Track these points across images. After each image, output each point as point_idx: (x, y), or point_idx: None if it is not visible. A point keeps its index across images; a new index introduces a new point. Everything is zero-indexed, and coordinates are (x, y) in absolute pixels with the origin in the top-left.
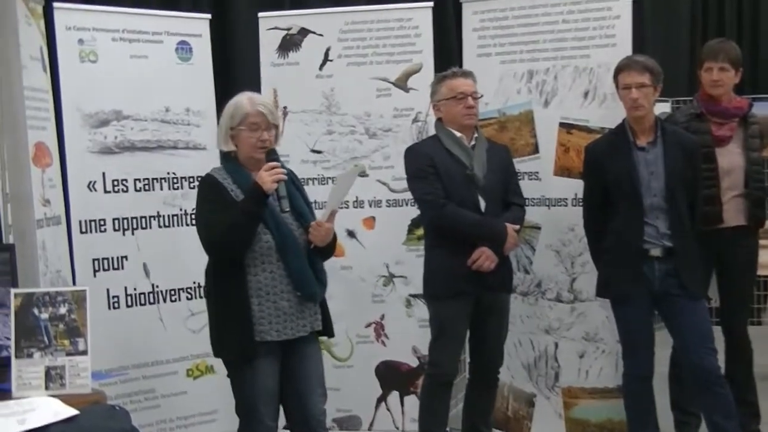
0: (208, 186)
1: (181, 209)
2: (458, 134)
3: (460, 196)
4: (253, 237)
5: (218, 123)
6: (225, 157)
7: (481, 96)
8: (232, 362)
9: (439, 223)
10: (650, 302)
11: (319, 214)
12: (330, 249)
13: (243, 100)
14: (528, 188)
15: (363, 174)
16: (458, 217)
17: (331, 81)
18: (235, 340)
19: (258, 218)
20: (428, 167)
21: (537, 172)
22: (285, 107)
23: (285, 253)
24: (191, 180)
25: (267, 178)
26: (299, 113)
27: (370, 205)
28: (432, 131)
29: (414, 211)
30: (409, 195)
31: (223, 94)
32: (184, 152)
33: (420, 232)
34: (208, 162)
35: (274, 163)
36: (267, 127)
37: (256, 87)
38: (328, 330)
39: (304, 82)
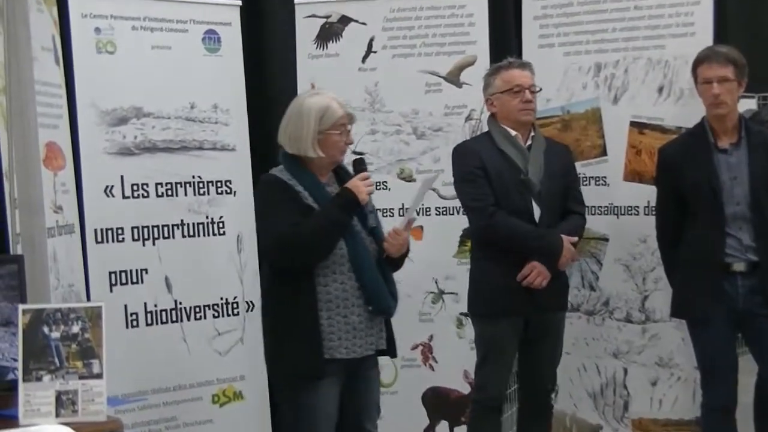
0: (276, 186)
1: (207, 217)
2: (513, 132)
3: (512, 203)
4: (335, 247)
5: (248, 121)
6: (288, 158)
7: (540, 90)
8: (292, 382)
9: (487, 233)
10: (732, 323)
11: (397, 222)
12: (402, 260)
13: (330, 102)
14: (594, 195)
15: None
16: (508, 227)
17: (374, 75)
18: (301, 355)
19: (346, 228)
20: (477, 169)
21: (605, 177)
22: None
23: (358, 264)
24: (218, 185)
25: (363, 188)
26: None
27: (418, 214)
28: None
29: (466, 221)
30: (458, 203)
31: (255, 89)
32: (211, 153)
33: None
34: (237, 165)
35: (366, 174)
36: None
37: (291, 81)
38: (391, 349)
39: (345, 76)
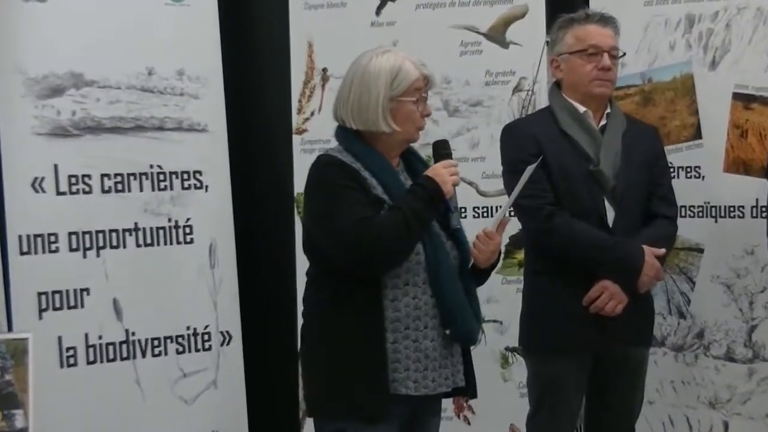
0: (340, 169)
1: (170, 220)
2: (582, 108)
3: (578, 203)
4: (413, 250)
5: (222, 92)
6: (349, 136)
7: (623, 54)
8: (339, 425)
9: (544, 241)
10: None
11: (488, 223)
12: (490, 272)
13: (402, 61)
14: (685, 191)
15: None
16: (572, 234)
17: (393, 31)
18: (359, 390)
19: (428, 226)
20: (532, 157)
21: (698, 168)
22: (325, 69)
23: (437, 275)
24: (185, 177)
25: (448, 176)
26: None
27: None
28: (543, 104)
29: (514, 224)
30: (505, 200)
31: (234, 50)
32: (175, 135)
33: (522, 255)
34: (210, 150)
35: (452, 161)
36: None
37: (281, 40)
38: (471, 388)
39: (354, 33)
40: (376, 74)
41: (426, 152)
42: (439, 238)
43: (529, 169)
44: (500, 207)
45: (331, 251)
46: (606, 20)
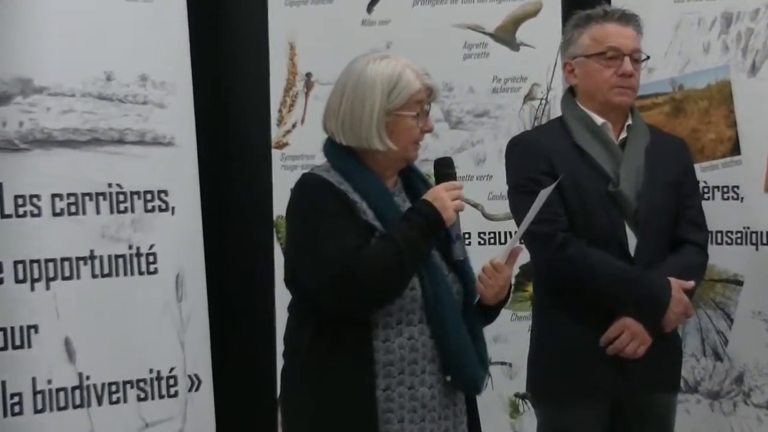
0: (325, 192)
1: (130, 247)
2: (600, 120)
3: (595, 229)
4: (407, 286)
5: (185, 103)
6: (339, 152)
7: (647, 58)
8: None
9: (556, 271)
10: None
11: (497, 253)
12: (499, 309)
13: (403, 69)
14: (721, 215)
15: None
16: (589, 265)
17: (386, 31)
18: None
19: (425, 258)
20: (543, 175)
21: (736, 187)
22: (309, 74)
23: (436, 312)
24: (148, 197)
25: (450, 201)
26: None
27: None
28: (557, 114)
29: (525, 253)
30: (514, 227)
31: (205, 52)
32: (137, 150)
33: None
34: (177, 167)
35: (457, 183)
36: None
37: (259, 40)
38: None
39: (342, 33)
40: (371, 83)
41: (426, 168)
42: (439, 271)
43: (546, 191)
44: (511, 233)
45: (314, 286)
46: (627, 18)
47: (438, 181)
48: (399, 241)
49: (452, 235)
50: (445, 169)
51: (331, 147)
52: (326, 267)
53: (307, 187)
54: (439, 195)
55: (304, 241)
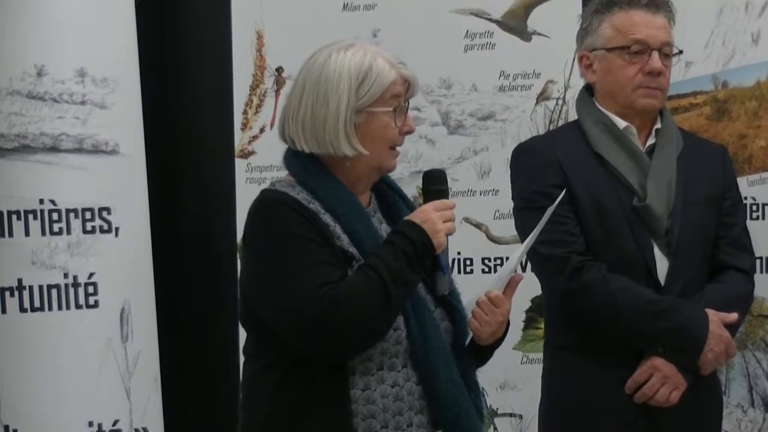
0: (292, 212)
1: (66, 275)
2: (622, 123)
3: (619, 251)
4: (391, 326)
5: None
6: (300, 161)
7: (680, 52)
8: None
9: (573, 302)
10: None
11: (491, 282)
12: (494, 349)
13: (373, 58)
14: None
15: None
16: (610, 295)
17: (372, 17)
18: None
19: (412, 291)
20: (555, 188)
21: None
22: (279, 69)
23: (425, 357)
24: (87, 216)
25: (441, 223)
26: None
27: (456, 269)
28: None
29: (536, 284)
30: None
31: (156, 42)
32: (73, 159)
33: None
34: (123, 179)
35: (450, 202)
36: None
37: (222, 27)
38: None
39: (319, 20)
40: (336, 76)
41: (417, 183)
42: (424, 307)
43: (551, 209)
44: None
45: (280, 327)
46: (657, 5)
47: (427, 199)
48: (382, 273)
49: (442, 264)
50: (435, 185)
51: (294, 157)
52: (296, 305)
53: (268, 205)
54: (429, 216)
55: (268, 274)
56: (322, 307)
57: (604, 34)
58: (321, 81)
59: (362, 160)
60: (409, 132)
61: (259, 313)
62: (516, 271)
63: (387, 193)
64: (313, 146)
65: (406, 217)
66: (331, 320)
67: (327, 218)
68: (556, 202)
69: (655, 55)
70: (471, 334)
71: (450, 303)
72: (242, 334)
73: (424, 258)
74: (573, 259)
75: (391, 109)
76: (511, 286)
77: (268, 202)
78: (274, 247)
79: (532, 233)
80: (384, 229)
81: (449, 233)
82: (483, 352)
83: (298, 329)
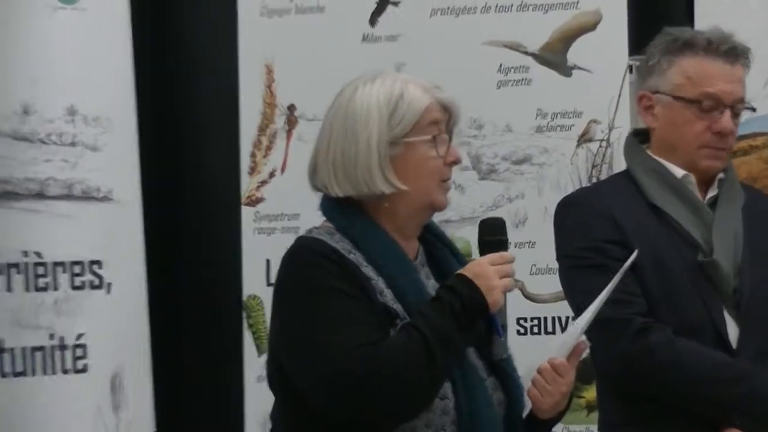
0: (329, 263)
1: (52, 336)
2: (680, 171)
3: (684, 312)
4: (437, 393)
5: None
6: (340, 207)
7: (753, 109)
8: None
9: (634, 369)
10: None
11: (553, 345)
12: (556, 422)
13: (404, 85)
14: None
15: None
16: (677, 360)
17: (395, 49)
18: None
19: (461, 356)
20: (609, 243)
21: None
22: (291, 107)
23: (473, 428)
24: (76, 270)
25: (498, 279)
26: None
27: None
28: (623, 160)
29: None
30: (566, 311)
31: (154, 77)
32: (62, 206)
33: (592, 392)
34: (116, 229)
35: (508, 254)
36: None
37: (229, 61)
38: None
39: (337, 52)
40: (364, 110)
41: (449, 232)
42: (475, 374)
43: (626, 266)
44: (561, 318)
45: (314, 392)
46: (737, 54)
47: (483, 250)
48: (427, 333)
49: (497, 325)
50: (492, 234)
51: (330, 203)
52: (332, 368)
53: (305, 255)
54: (484, 270)
55: (302, 332)
56: (361, 371)
57: (673, 80)
58: (348, 117)
59: (404, 199)
60: (455, 162)
61: (291, 374)
62: (582, 337)
63: (434, 245)
64: (346, 188)
65: (458, 271)
66: (370, 386)
67: (369, 271)
68: (631, 259)
69: (727, 113)
70: (529, 406)
71: (504, 370)
72: (252, 403)
73: (476, 318)
74: (635, 321)
75: (430, 137)
76: (575, 354)
77: (303, 251)
78: (310, 302)
79: (601, 295)
80: (432, 285)
81: (507, 290)
82: (541, 427)
83: (334, 394)
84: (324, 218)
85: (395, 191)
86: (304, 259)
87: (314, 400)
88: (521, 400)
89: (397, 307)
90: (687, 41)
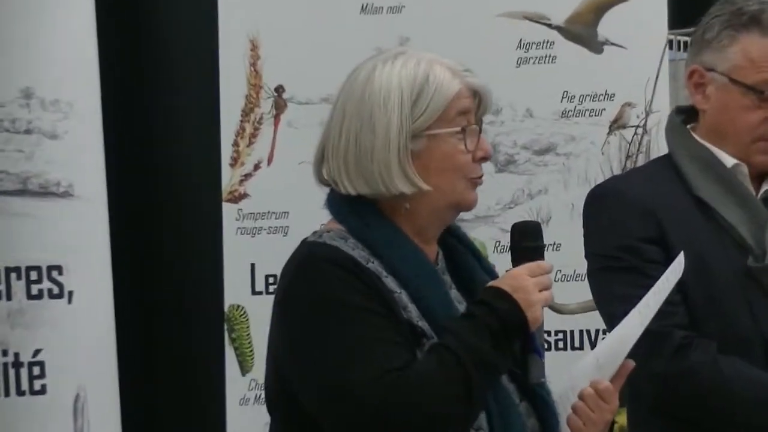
0: (344, 272)
1: (5, 353)
2: (730, 160)
3: (731, 325)
4: (472, 423)
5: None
6: (352, 206)
7: None
8: None
9: (675, 392)
10: None
11: (589, 367)
12: None
13: (430, 66)
14: None
15: None
16: (723, 380)
17: (398, 22)
18: None
19: (497, 379)
20: (644, 242)
21: None
22: (279, 89)
23: None
24: (33, 278)
25: (538, 293)
26: (319, 104)
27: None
28: (662, 149)
29: None
30: (597, 323)
31: (122, 56)
32: (16, 203)
33: (624, 417)
34: (79, 230)
35: (546, 264)
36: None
37: (207, 37)
38: None
39: (332, 26)
40: (383, 94)
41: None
42: (509, 400)
43: (674, 270)
44: (590, 332)
45: (330, 420)
46: None
47: (518, 260)
48: (462, 356)
49: (537, 345)
50: (527, 241)
51: (340, 201)
52: (352, 395)
53: (319, 265)
54: (522, 283)
55: (314, 353)
56: (386, 399)
57: (733, 59)
58: (365, 102)
59: (426, 200)
60: (485, 158)
61: (300, 396)
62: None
63: (455, 248)
64: (359, 185)
65: (492, 283)
66: (397, 415)
67: (390, 282)
68: (680, 261)
69: None
70: None
71: (538, 394)
72: (234, 429)
73: (515, 337)
74: (675, 335)
75: (459, 129)
76: (621, 375)
77: (315, 259)
78: (324, 320)
79: (651, 304)
80: (454, 295)
81: (546, 305)
82: None
83: (354, 424)
84: (330, 217)
85: (413, 191)
86: (316, 269)
87: (327, 429)
88: (556, 428)
89: (423, 324)
90: (754, 16)
